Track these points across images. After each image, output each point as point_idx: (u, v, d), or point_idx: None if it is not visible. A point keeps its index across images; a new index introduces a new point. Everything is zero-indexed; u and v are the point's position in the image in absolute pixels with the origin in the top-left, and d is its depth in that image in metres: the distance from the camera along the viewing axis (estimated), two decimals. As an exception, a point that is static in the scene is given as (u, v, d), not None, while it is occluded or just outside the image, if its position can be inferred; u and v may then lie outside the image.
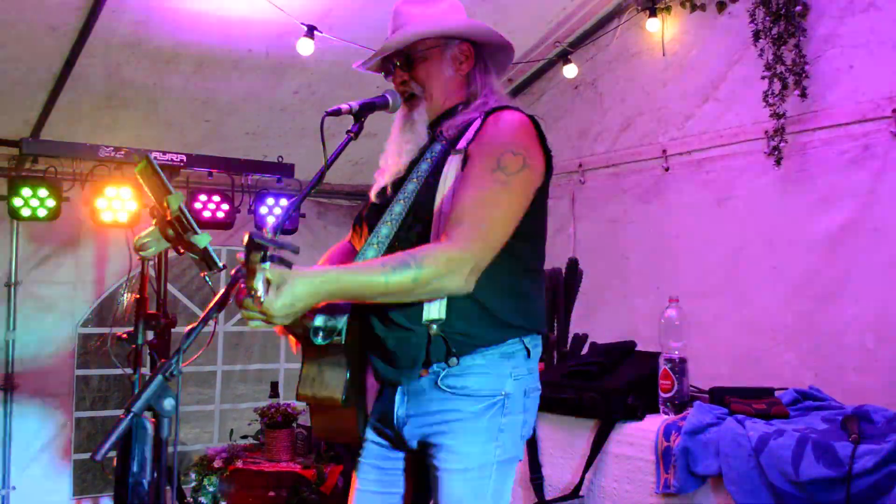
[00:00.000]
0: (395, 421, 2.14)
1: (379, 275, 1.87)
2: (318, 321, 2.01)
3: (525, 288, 2.15)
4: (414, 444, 2.15)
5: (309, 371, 2.07)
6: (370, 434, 2.26)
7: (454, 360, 2.04)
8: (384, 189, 2.23)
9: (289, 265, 1.75)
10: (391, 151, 2.25)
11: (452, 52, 2.23)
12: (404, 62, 2.23)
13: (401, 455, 2.26)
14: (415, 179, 2.13)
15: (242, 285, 1.71)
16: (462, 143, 2.11)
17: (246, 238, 1.59)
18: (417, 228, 2.08)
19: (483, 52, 2.28)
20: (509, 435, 2.10)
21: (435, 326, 2.02)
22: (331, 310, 2.01)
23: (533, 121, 2.14)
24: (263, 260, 1.61)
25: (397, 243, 2.08)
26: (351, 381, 2.05)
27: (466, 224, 1.96)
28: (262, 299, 1.68)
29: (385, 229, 2.10)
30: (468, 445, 2.06)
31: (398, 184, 2.18)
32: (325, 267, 1.88)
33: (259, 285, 1.65)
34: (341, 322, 2.01)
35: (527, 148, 2.08)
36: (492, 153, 2.04)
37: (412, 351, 2.04)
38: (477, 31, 2.24)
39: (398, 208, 2.11)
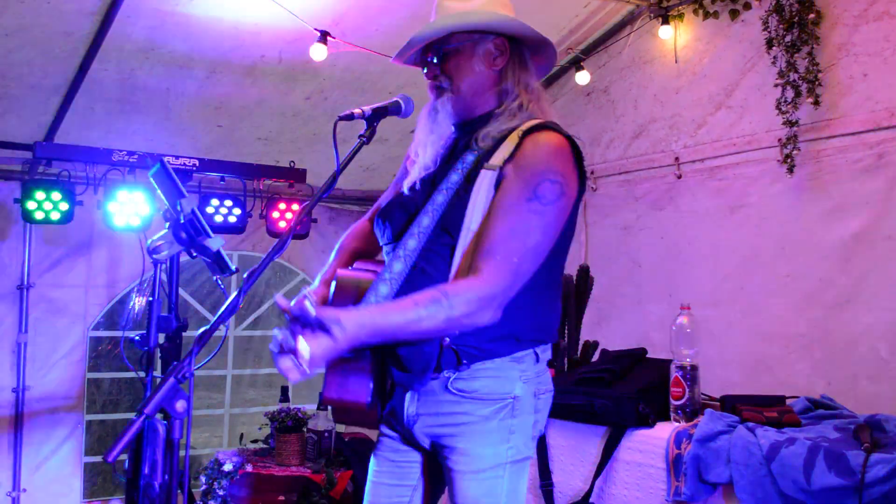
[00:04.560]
0: (404, 419, 2.16)
1: (412, 318, 1.90)
2: None
3: (544, 302, 2.15)
4: (426, 443, 2.17)
5: (333, 376, 2.06)
6: (383, 428, 2.30)
7: (465, 366, 2.06)
8: (414, 185, 2.22)
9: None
10: (419, 142, 2.24)
11: (486, 47, 2.18)
12: (437, 56, 2.20)
13: (412, 449, 2.27)
14: (444, 191, 2.10)
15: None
16: (496, 160, 2.07)
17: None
18: (445, 241, 2.07)
19: (521, 48, 2.23)
20: (520, 435, 2.12)
21: (448, 339, 2.04)
22: None
23: (570, 142, 2.10)
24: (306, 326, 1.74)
25: (427, 255, 2.07)
26: (375, 385, 2.06)
27: (498, 257, 1.96)
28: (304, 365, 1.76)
29: (412, 242, 2.08)
30: (480, 447, 2.08)
31: (427, 184, 2.17)
32: (359, 311, 1.91)
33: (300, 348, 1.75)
34: None
35: (564, 174, 2.04)
36: (528, 180, 2.01)
37: (424, 358, 2.04)
38: (507, 27, 2.18)
39: (426, 220, 2.08)
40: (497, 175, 2.04)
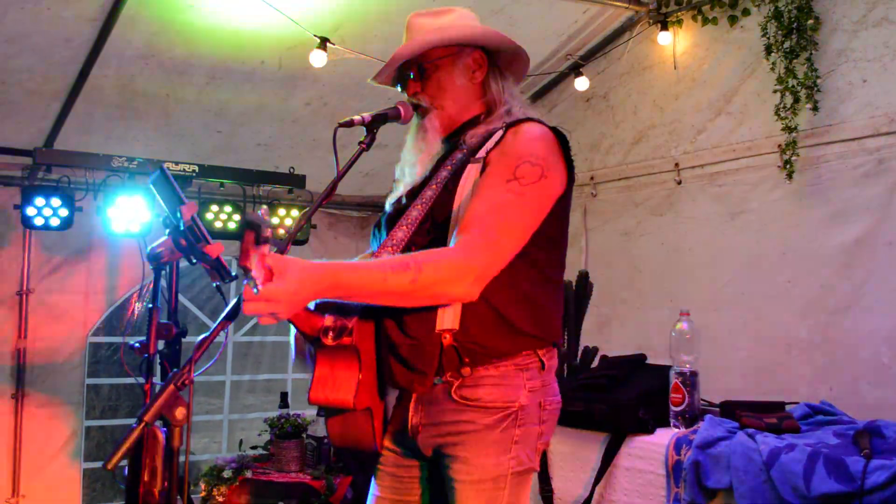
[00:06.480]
0: (408, 430, 2.13)
1: (377, 274, 1.85)
2: (328, 321, 1.98)
3: (543, 297, 2.13)
4: (428, 452, 2.13)
5: (321, 373, 2.05)
6: (387, 441, 2.25)
7: (467, 369, 2.03)
8: (400, 198, 2.22)
9: (281, 251, 1.74)
10: (407, 161, 2.24)
11: (465, 60, 2.22)
12: (417, 73, 2.22)
13: (415, 463, 2.23)
14: (433, 186, 2.11)
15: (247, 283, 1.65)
16: (482, 153, 2.09)
17: (240, 218, 1.55)
18: (434, 233, 2.06)
19: (497, 60, 2.27)
20: (524, 447, 2.07)
21: (448, 336, 2.00)
22: (340, 310, 1.99)
23: (555, 132, 2.12)
24: (258, 242, 1.57)
25: (413, 248, 2.05)
26: (364, 383, 2.02)
27: (474, 232, 1.94)
28: (257, 281, 1.63)
29: (401, 233, 2.08)
30: (482, 457, 2.04)
31: (415, 191, 2.16)
32: (325, 261, 1.84)
33: (254, 265, 1.60)
34: (351, 322, 1.99)
35: (545, 158, 2.05)
36: (509, 163, 2.02)
37: (424, 359, 2.01)
38: (486, 37, 2.22)
39: (415, 213, 2.09)
40: (482, 166, 2.06)
